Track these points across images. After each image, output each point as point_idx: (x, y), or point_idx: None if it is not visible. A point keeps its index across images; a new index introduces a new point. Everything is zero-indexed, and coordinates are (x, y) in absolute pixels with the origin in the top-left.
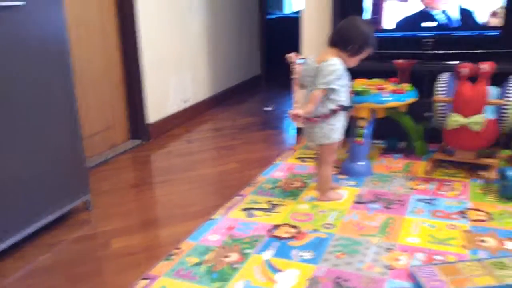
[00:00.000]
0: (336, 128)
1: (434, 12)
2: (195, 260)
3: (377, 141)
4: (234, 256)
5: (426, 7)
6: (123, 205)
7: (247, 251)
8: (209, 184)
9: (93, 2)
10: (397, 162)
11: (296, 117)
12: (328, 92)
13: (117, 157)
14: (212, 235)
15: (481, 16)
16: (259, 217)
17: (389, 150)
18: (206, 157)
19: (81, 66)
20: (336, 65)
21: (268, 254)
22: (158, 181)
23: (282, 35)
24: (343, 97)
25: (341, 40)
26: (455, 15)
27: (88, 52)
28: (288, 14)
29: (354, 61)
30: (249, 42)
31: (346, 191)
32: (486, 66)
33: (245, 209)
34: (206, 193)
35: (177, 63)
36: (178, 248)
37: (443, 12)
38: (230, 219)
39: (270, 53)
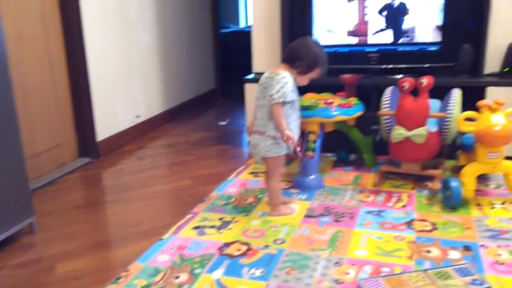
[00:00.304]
0: (281, 141)
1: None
2: (143, 282)
3: (328, 154)
4: (183, 277)
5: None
6: (70, 227)
7: (197, 271)
8: (160, 202)
9: (36, 16)
10: (348, 175)
11: (290, 139)
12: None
13: (65, 176)
14: (161, 255)
15: (422, 32)
16: (211, 235)
17: (340, 163)
18: (158, 174)
19: (25, 83)
20: (286, 77)
21: (218, 273)
22: (108, 200)
23: (237, 49)
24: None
25: (291, 57)
26: (398, 31)
27: (31, 68)
28: (243, 28)
29: (303, 80)
30: (203, 56)
31: (298, 205)
32: (425, 80)
33: (196, 227)
34: (157, 211)
35: (127, 77)
36: (126, 271)
37: (386, 28)
38: (181, 238)
39: (225, 67)
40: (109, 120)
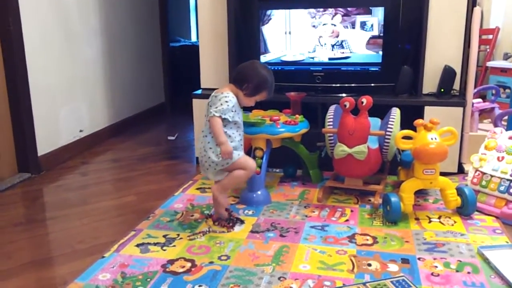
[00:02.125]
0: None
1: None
2: None
3: (276, 170)
4: None
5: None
6: (6, 246)
7: None
8: (103, 219)
9: None
10: (294, 190)
11: (226, 155)
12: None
13: (3, 192)
14: (102, 274)
15: (365, 54)
16: (154, 252)
17: (287, 179)
18: (102, 190)
19: None
20: (229, 97)
21: None
22: (48, 217)
23: (187, 63)
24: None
25: (238, 78)
26: (342, 52)
27: None
28: (194, 42)
29: (249, 101)
30: (152, 69)
31: (244, 222)
32: (365, 100)
33: (140, 245)
34: (100, 228)
35: (71, 91)
36: None
37: (332, 49)
38: (123, 255)
39: (176, 81)
40: (51, 134)
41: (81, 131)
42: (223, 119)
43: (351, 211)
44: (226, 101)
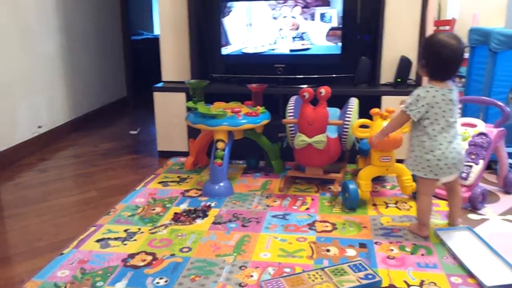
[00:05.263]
0: None
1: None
2: None
3: (239, 162)
4: None
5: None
6: None
7: (99, 284)
8: (63, 215)
9: None
10: (257, 181)
11: None
12: None
13: None
14: (61, 270)
15: (324, 45)
16: (115, 247)
17: (250, 170)
18: (62, 187)
19: None
20: None
21: (121, 285)
22: (5, 216)
23: (150, 56)
24: None
25: None
26: (302, 44)
27: None
28: (157, 35)
29: None
30: (113, 63)
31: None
32: (323, 90)
33: (100, 240)
34: (59, 225)
35: (28, 86)
36: None
37: (293, 41)
38: (82, 251)
39: (138, 75)
40: (7, 130)
41: (39, 127)
42: None
43: (312, 199)
44: None
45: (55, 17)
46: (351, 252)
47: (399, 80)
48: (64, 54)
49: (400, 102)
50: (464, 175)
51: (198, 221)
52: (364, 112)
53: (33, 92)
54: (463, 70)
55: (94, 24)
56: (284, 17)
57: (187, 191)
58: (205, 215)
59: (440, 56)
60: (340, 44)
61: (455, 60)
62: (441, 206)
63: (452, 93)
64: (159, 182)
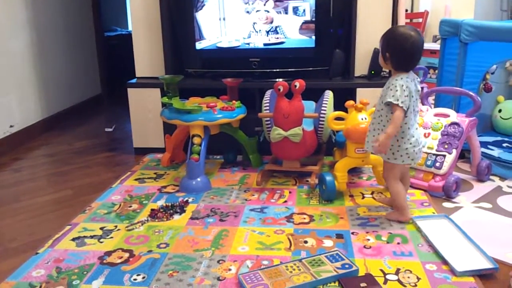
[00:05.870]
0: None
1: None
2: None
3: (216, 157)
4: None
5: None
6: None
7: (75, 282)
8: (37, 215)
9: None
10: (235, 175)
11: None
12: None
13: None
14: (36, 270)
15: (299, 39)
16: (91, 245)
17: (228, 164)
18: (36, 186)
19: None
20: None
21: (98, 283)
22: None
23: (124, 52)
24: None
25: None
26: (276, 38)
27: None
28: (131, 31)
29: None
30: (86, 60)
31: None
32: (298, 84)
33: (75, 238)
34: (33, 225)
35: None
36: None
37: (267, 32)
38: (58, 250)
39: (112, 72)
40: None
41: (11, 126)
42: None
43: (290, 192)
44: None
45: (23, 12)
46: (328, 243)
47: (372, 72)
48: (34, 52)
49: (375, 142)
50: (438, 164)
51: (176, 216)
52: (339, 105)
53: (3, 91)
54: (435, 61)
55: (65, 19)
56: (257, 11)
57: (164, 187)
58: (183, 211)
59: (404, 48)
60: (313, 37)
61: (418, 51)
62: (416, 195)
63: (418, 83)
64: (136, 179)
